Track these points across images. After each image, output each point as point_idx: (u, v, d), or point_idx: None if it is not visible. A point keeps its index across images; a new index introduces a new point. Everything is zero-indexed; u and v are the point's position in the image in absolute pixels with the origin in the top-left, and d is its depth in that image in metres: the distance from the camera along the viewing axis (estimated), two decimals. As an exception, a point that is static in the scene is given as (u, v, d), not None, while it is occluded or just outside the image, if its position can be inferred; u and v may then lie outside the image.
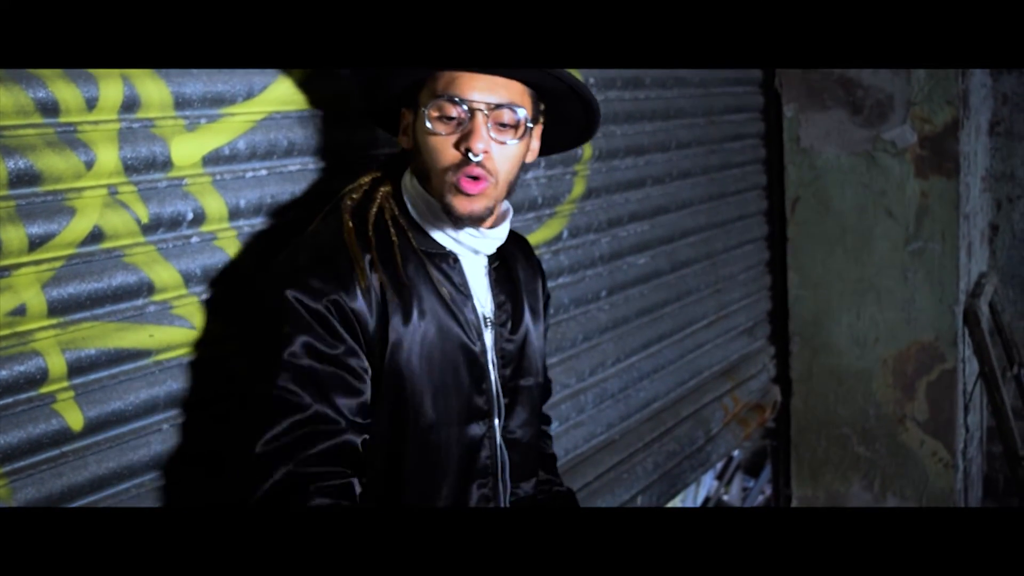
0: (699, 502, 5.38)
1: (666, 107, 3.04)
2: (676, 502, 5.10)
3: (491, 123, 1.58)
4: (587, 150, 2.66)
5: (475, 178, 1.58)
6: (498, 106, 1.58)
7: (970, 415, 3.90)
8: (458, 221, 1.61)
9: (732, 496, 5.45)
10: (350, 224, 1.60)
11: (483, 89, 1.57)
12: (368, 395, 1.57)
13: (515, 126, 1.60)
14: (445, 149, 1.58)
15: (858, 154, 3.69)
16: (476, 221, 1.62)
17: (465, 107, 1.56)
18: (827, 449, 3.89)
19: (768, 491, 5.09)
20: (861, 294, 3.75)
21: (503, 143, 1.59)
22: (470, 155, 1.56)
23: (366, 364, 1.56)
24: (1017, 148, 4.21)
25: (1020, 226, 4.27)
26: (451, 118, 1.57)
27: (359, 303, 1.54)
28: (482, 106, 1.57)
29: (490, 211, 1.63)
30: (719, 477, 5.48)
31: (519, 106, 1.60)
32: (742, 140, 3.61)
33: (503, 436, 1.77)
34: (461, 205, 1.59)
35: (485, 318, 1.72)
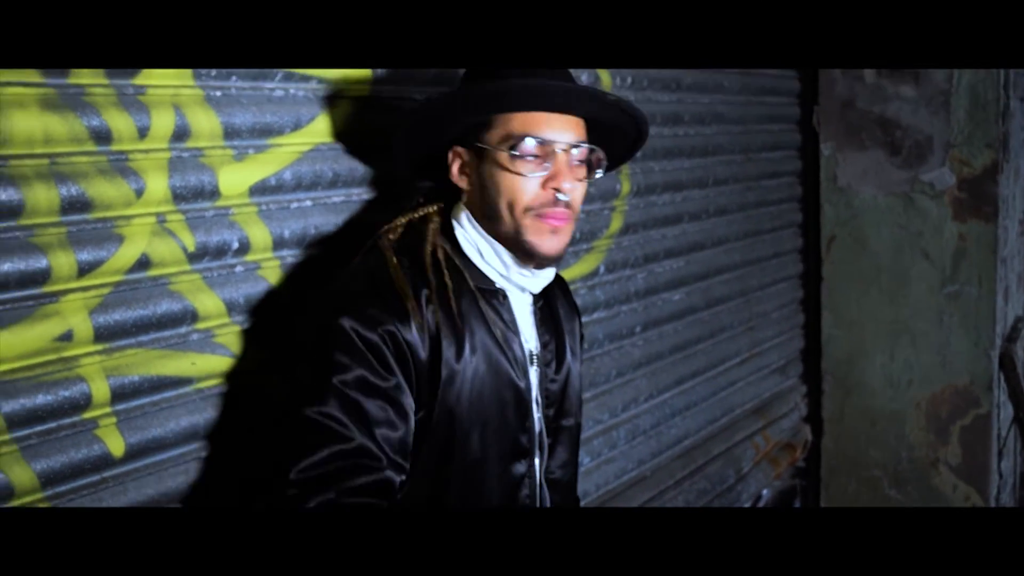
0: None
1: (704, 144, 3.04)
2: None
3: (570, 161, 1.60)
4: (625, 185, 2.66)
5: (561, 218, 1.60)
6: (574, 145, 1.61)
7: (1004, 460, 3.85)
8: (540, 261, 1.62)
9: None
10: (394, 260, 1.59)
11: (559, 128, 1.60)
12: (410, 434, 1.56)
13: (588, 162, 1.64)
14: (527, 188, 1.59)
15: (896, 195, 3.67)
16: (555, 261, 1.64)
17: (547, 147, 1.58)
18: (857, 490, 3.85)
19: (795, 530, 5.05)
20: (895, 335, 3.72)
21: (581, 180, 1.62)
22: (559, 195, 1.57)
23: (412, 402, 1.55)
24: (1056, 192, 4.18)
25: (1058, 270, 4.23)
26: (532, 158, 1.58)
27: (413, 336, 1.54)
28: (563, 145, 1.59)
29: (567, 248, 1.65)
30: (746, 515, 5.44)
31: (593, 144, 1.63)
32: (779, 178, 3.60)
33: (545, 476, 1.76)
34: (547, 244, 1.61)
35: (532, 355, 1.72)
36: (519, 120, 1.59)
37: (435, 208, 1.70)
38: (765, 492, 4.54)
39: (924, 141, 3.62)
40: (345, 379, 1.48)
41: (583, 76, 2.40)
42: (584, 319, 2.53)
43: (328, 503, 1.43)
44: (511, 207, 1.60)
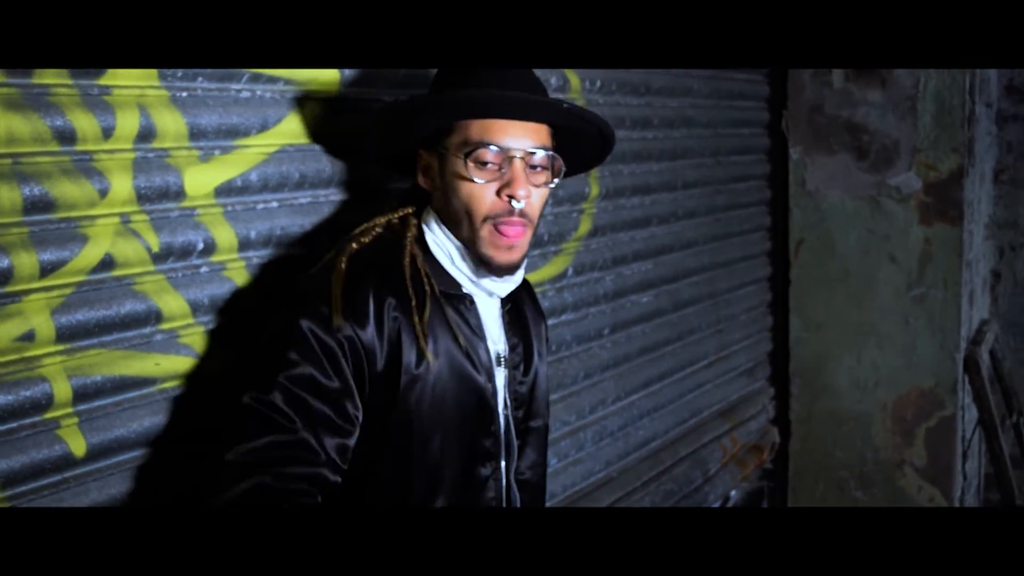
0: (694, 540, 5.37)
1: (673, 147, 3.06)
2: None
3: (526, 167, 1.60)
4: (594, 188, 2.67)
5: (518, 228, 1.60)
6: (532, 151, 1.60)
7: (968, 462, 3.90)
8: (496, 271, 1.63)
9: (728, 536, 5.43)
10: (342, 267, 1.58)
11: (517, 135, 1.60)
12: (353, 440, 1.56)
13: (548, 168, 1.64)
14: (483, 196, 1.59)
15: (863, 198, 3.71)
16: (512, 270, 1.64)
17: (502, 154, 1.59)
18: (824, 492, 3.88)
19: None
20: (862, 338, 3.76)
21: (538, 187, 1.62)
22: (513, 202, 1.58)
23: (359, 411, 1.56)
24: (1021, 196, 4.24)
25: (1022, 274, 4.29)
26: (486, 163, 1.59)
27: (370, 339, 1.55)
28: (519, 152, 1.59)
29: (524, 258, 1.65)
30: (715, 516, 5.47)
31: (551, 150, 1.63)
32: (747, 181, 3.63)
33: (515, 477, 1.77)
34: (502, 256, 1.61)
35: (499, 356, 1.73)
36: (477, 127, 1.59)
37: (411, 211, 1.71)
38: (733, 494, 4.56)
39: (891, 146, 3.66)
40: (294, 375, 1.50)
41: (551, 79, 2.41)
42: (552, 321, 2.55)
43: (261, 485, 1.43)
44: (469, 215, 1.61)
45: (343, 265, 1.60)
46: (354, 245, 1.65)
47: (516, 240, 1.61)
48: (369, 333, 1.54)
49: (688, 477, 3.15)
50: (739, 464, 3.48)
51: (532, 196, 1.61)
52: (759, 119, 3.72)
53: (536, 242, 2.47)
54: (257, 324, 1.70)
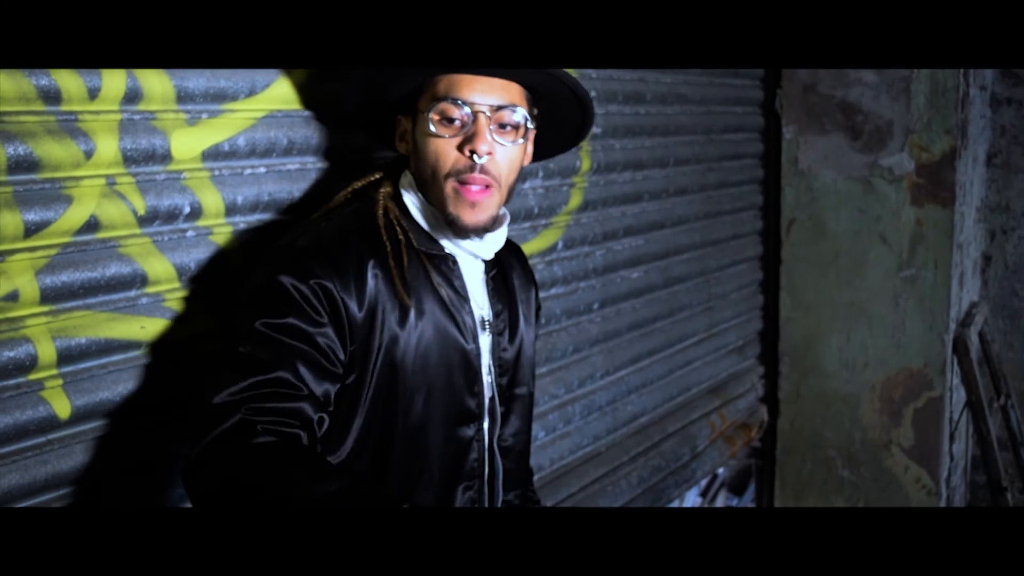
0: (682, 519, 5.39)
1: (666, 123, 3.05)
2: (659, 518, 5.11)
3: (493, 125, 1.59)
4: (585, 162, 2.67)
5: (480, 186, 1.58)
6: (499, 108, 1.59)
7: (955, 444, 3.91)
8: (462, 232, 1.61)
9: (715, 514, 5.45)
10: (319, 226, 1.59)
11: (484, 91, 1.58)
12: (332, 388, 1.54)
13: (516, 127, 1.61)
14: (448, 152, 1.58)
15: (855, 179, 3.71)
16: (480, 232, 1.62)
17: (467, 109, 1.57)
18: (811, 471, 3.90)
19: (751, 511, 5.11)
20: (852, 318, 3.77)
21: (504, 145, 1.60)
22: (475, 157, 1.56)
23: (341, 354, 1.54)
24: (1013, 180, 4.24)
25: (1013, 258, 4.29)
26: (452, 120, 1.58)
27: (351, 297, 1.54)
28: (484, 108, 1.58)
29: (493, 220, 1.63)
30: (703, 494, 5.50)
31: (519, 107, 1.61)
32: (740, 160, 3.62)
33: (498, 444, 1.77)
34: (467, 217, 1.59)
35: (483, 320, 1.72)
36: (444, 83, 1.58)
37: (381, 175, 1.71)
38: (721, 471, 4.57)
39: (884, 126, 3.65)
40: (274, 323, 1.49)
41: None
42: (542, 294, 2.54)
43: (241, 423, 1.42)
44: (434, 173, 1.60)
45: (321, 225, 1.61)
46: (331, 207, 1.66)
47: (479, 198, 1.58)
48: (350, 289, 1.54)
49: (676, 453, 3.16)
50: (727, 441, 3.49)
51: (497, 155, 1.59)
52: (753, 97, 3.71)
53: (526, 215, 2.48)
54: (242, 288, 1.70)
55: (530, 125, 1.64)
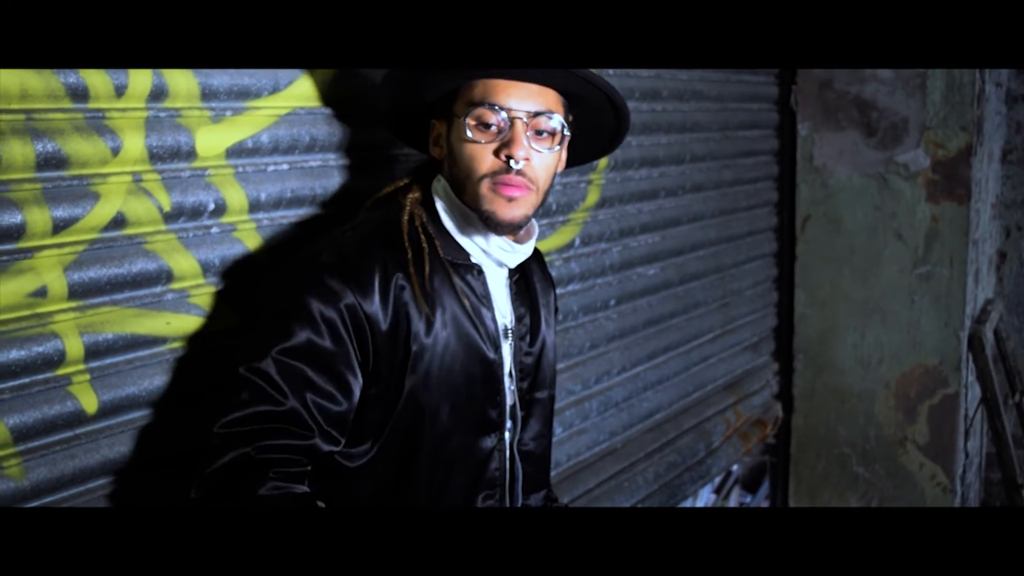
0: (695, 515, 5.40)
1: (682, 120, 3.05)
2: (672, 514, 5.12)
3: (530, 131, 1.59)
4: (603, 160, 2.67)
5: (517, 186, 1.59)
6: (536, 114, 1.59)
7: (970, 441, 3.91)
8: (497, 228, 1.61)
9: (729, 511, 5.46)
10: (345, 237, 1.60)
11: (521, 97, 1.58)
12: (350, 413, 1.56)
13: (552, 134, 1.61)
14: (484, 156, 1.58)
15: (870, 175, 3.71)
16: (514, 229, 1.63)
17: (504, 115, 1.57)
18: (826, 468, 3.90)
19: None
20: (867, 315, 3.76)
21: (540, 152, 1.60)
22: (511, 163, 1.56)
23: (358, 380, 1.55)
24: (1029, 177, 4.23)
25: (1028, 254, 4.29)
26: (489, 126, 1.58)
27: (375, 308, 1.54)
28: (521, 114, 1.58)
29: (528, 219, 1.64)
30: (717, 491, 5.50)
31: (556, 113, 1.61)
32: (755, 156, 3.62)
33: (518, 448, 1.78)
34: (502, 212, 1.59)
35: (506, 329, 1.73)
36: (481, 88, 1.58)
37: (412, 180, 1.71)
38: (736, 468, 4.57)
39: (900, 123, 3.65)
40: (290, 347, 1.49)
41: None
42: (559, 291, 2.55)
43: (241, 457, 1.44)
44: (469, 175, 1.60)
45: (347, 235, 1.61)
46: (360, 217, 1.67)
47: (516, 194, 1.58)
48: (374, 302, 1.54)
49: (692, 449, 3.16)
50: (742, 438, 3.49)
51: (533, 160, 1.59)
52: (768, 94, 3.71)
53: (544, 211, 2.48)
54: (266, 283, 1.71)
55: (566, 132, 1.64)
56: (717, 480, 5.40)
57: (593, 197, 2.68)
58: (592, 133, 1.76)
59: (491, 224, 1.61)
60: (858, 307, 3.77)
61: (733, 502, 5.54)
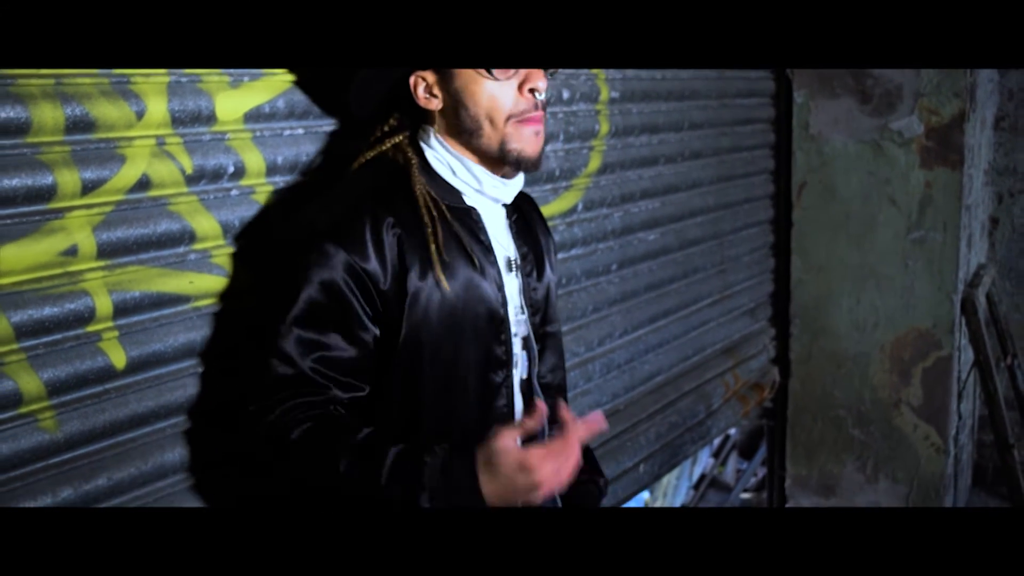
0: (695, 478, 5.49)
1: (681, 88, 3.11)
2: (672, 476, 5.20)
3: None
4: (604, 126, 2.73)
5: (539, 121, 1.66)
6: None
7: (963, 403, 3.99)
8: (526, 164, 1.68)
9: (727, 475, 5.55)
10: (337, 199, 1.66)
11: None
12: (366, 356, 1.63)
13: None
14: (507, 94, 1.64)
15: (865, 142, 3.77)
16: (539, 164, 1.70)
17: None
18: (822, 430, 3.98)
19: (760, 474, 5.19)
20: (862, 280, 3.83)
21: (549, 78, 1.68)
22: (537, 95, 1.63)
23: (368, 332, 1.62)
24: (1020, 143, 4.29)
25: (1020, 220, 4.35)
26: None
27: (371, 263, 1.60)
28: None
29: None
30: (715, 455, 5.59)
31: None
32: (752, 124, 3.68)
33: (538, 381, 1.84)
34: (531, 148, 1.67)
35: (510, 262, 1.77)
36: None
37: (403, 137, 1.73)
38: (733, 432, 4.65)
39: (894, 90, 3.70)
40: (296, 315, 1.58)
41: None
42: (562, 255, 2.62)
43: (270, 426, 1.55)
44: (492, 118, 1.65)
45: (337, 197, 1.67)
46: (348, 177, 1.72)
47: (540, 126, 1.67)
48: (369, 258, 1.59)
49: (692, 411, 3.23)
50: (741, 400, 3.56)
51: (546, 88, 1.67)
52: (764, 63, 3.76)
53: (548, 177, 2.54)
54: (276, 247, 1.76)
55: None
56: (715, 444, 5.48)
57: (595, 163, 2.73)
58: None
59: (519, 163, 1.68)
60: (853, 272, 3.84)
61: (731, 467, 5.62)
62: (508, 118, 1.65)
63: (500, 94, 1.64)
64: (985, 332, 3.82)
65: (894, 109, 3.71)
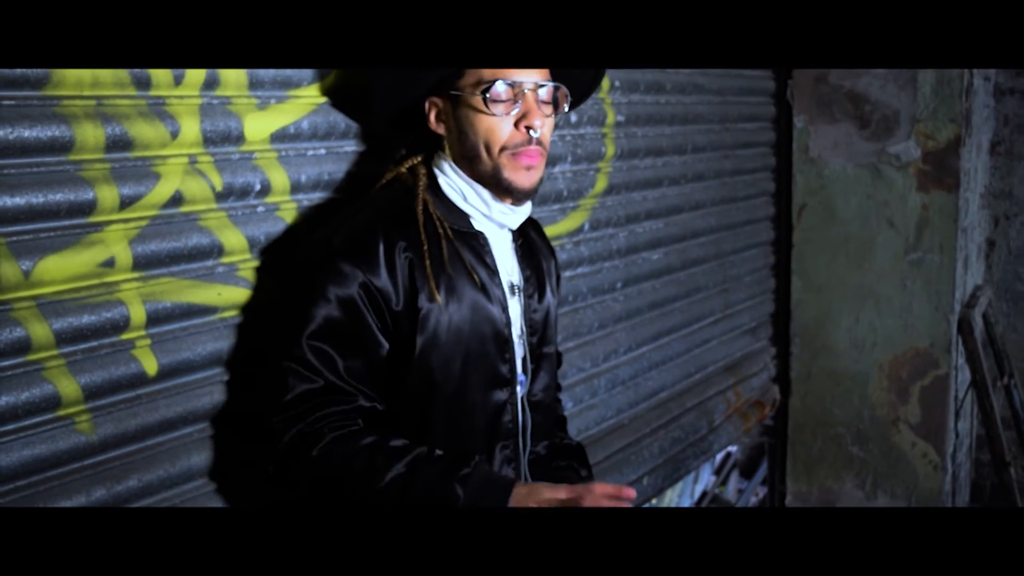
0: (696, 495, 5.55)
1: (684, 112, 3.20)
2: (674, 494, 5.26)
3: (537, 100, 1.76)
4: (610, 148, 2.82)
5: (535, 155, 1.75)
6: (540, 85, 1.76)
7: (961, 421, 4.06)
8: (516, 195, 1.78)
9: (728, 493, 5.61)
10: (353, 220, 1.75)
11: (529, 71, 1.75)
12: (379, 368, 1.72)
13: (553, 102, 1.79)
14: (502, 128, 1.74)
15: (864, 166, 3.86)
16: (532, 194, 1.80)
17: (515, 88, 1.73)
18: (822, 448, 4.05)
19: (761, 493, 5.25)
20: (861, 300, 3.91)
21: (548, 116, 1.78)
22: (531, 132, 1.73)
23: (382, 342, 1.71)
24: (1016, 167, 4.38)
25: (1016, 242, 4.44)
26: (503, 100, 1.74)
27: (384, 282, 1.70)
28: (530, 85, 1.74)
29: (541, 183, 1.80)
30: (716, 472, 5.64)
31: (557, 83, 1.78)
32: (754, 148, 3.77)
33: (528, 399, 1.92)
34: (521, 180, 1.76)
35: (513, 286, 1.87)
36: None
37: (419, 159, 1.85)
38: (734, 450, 4.70)
39: (892, 115, 3.80)
40: (315, 329, 1.67)
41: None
42: (569, 273, 2.70)
43: (300, 433, 1.65)
44: (488, 148, 1.75)
45: (354, 217, 1.76)
46: (368, 198, 1.82)
47: (534, 162, 1.76)
48: (382, 276, 1.69)
49: (694, 426, 3.31)
50: (742, 417, 3.64)
51: (544, 126, 1.77)
52: (765, 88, 3.85)
53: (556, 197, 2.63)
54: (293, 266, 1.85)
55: (568, 96, 1.81)
56: (717, 460, 5.54)
57: (601, 184, 2.82)
58: (574, 85, 1.88)
59: (511, 192, 1.78)
60: (852, 292, 3.92)
61: (732, 484, 5.67)
62: (502, 149, 1.75)
63: (497, 126, 1.75)
64: (982, 352, 3.89)
65: (891, 134, 3.80)
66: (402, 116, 1.88)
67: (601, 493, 1.59)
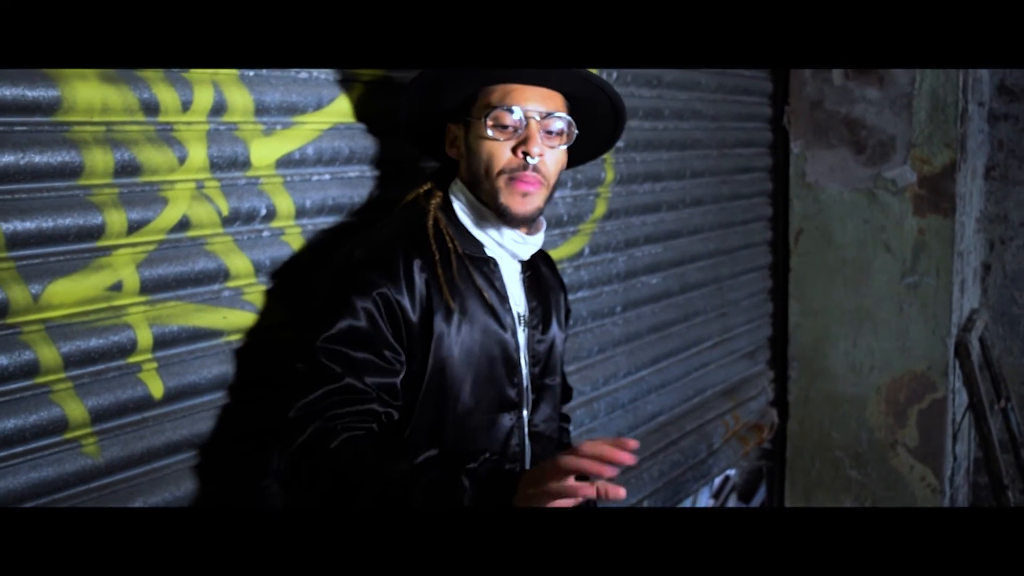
0: (694, 522, 5.54)
1: (683, 138, 3.23)
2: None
3: (542, 131, 1.78)
4: (610, 174, 2.84)
5: (531, 182, 1.77)
6: (548, 115, 1.78)
7: (958, 445, 4.07)
8: (512, 221, 1.80)
9: (726, 517, 5.60)
10: (374, 237, 1.78)
11: (534, 100, 1.78)
12: (397, 382, 1.73)
13: (561, 133, 1.81)
14: (502, 152, 1.77)
15: (860, 191, 3.89)
16: (528, 221, 1.82)
17: (520, 116, 1.76)
18: (820, 471, 4.06)
19: (760, 516, 5.25)
20: (858, 324, 3.93)
21: (552, 148, 1.80)
22: (528, 159, 1.75)
23: (401, 357, 1.73)
24: (1011, 192, 4.42)
25: (1012, 266, 4.47)
26: (506, 126, 1.77)
27: (404, 297, 1.72)
28: (535, 114, 1.77)
29: (540, 212, 1.82)
30: (715, 496, 5.65)
31: (564, 113, 1.80)
32: (751, 173, 3.80)
33: (529, 429, 1.94)
34: (516, 206, 1.78)
35: (520, 316, 1.90)
36: (498, 92, 1.77)
37: (433, 185, 1.88)
38: (732, 472, 4.70)
39: (887, 140, 3.83)
40: (334, 335, 1.68)
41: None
42: (570, 297, 2.71)
43: (318, 430, 1.62)
44: (487, 171, 1.78)
45: (377, 234, 1.79)
46: (389, 218, 1.85)
47: (530, 189, 1.78)
48: (402, 291, 1.72)
49: (693, 450, 3.32)
50: (741, 440, 3.65)
51: (546, 156, 1.78)
52: (762, 114, 3.89)
53: (556, 222, 2.65)
54: (308, 285, 1.87)
55: (574, 130, 1.82)
56: (716, 484, 5.54)
57: (601, 209, 2.84)
58: (591, 135, 1.93)
59: (506, 217, 1.80)
60: (849, 316, 3.94)
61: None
62: (499, 173, 1.78)
63: (497, 150, 1.78)
64: (979, 375, 3.91)
65: (887, 159, 3.84)
66: (428, 139, 1.93)
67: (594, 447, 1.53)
